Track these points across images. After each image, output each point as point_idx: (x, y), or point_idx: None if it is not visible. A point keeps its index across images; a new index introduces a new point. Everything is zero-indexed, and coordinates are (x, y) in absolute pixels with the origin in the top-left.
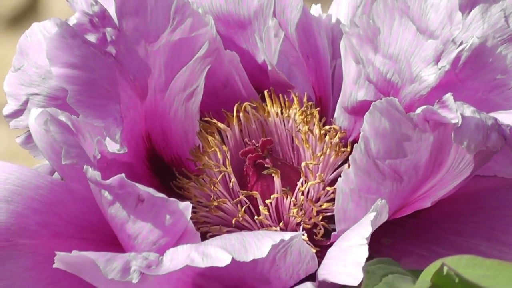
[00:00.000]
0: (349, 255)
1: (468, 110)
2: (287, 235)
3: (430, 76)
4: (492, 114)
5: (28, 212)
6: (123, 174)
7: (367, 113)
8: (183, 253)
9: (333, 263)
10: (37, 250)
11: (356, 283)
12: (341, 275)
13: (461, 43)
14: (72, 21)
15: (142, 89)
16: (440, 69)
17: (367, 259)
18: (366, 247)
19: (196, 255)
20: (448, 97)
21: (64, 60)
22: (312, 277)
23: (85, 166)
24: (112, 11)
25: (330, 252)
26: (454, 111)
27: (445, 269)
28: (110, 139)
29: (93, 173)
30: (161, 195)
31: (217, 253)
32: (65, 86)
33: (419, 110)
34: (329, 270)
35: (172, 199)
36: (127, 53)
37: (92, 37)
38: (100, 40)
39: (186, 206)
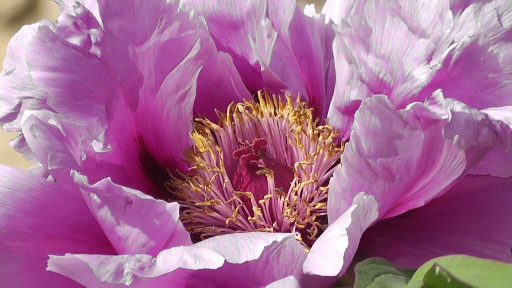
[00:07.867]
0: (330, 246)
1: (458, 106)
2: (280, 236)
3: (422, 75)
4: (483, 111)
5: (20, 214)
6: (109, 178)
7: (357, 111)
8: (176, 255)
9: (316, 255)
10: (29, 252)
11: (335, 273)
12: (322, 267)
13: (452, 42)
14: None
15: (130, 90)
16: (431, 68)
17: (360, 259)
18: (346, 238)
19: (189, 257)
20: (438, 93)
21: (43, 64)
22: None
23: (71, 171)
24: (97, 12)
25: (314, 245)
26: (444, 107)
27: (437, 269)
28: (93, 139)
29: (79, 177)
30: (148, 196)
31: (209, 255)
32: (46, 89)
33: (409, 107)
34: (312, 262)
35: (159, 200)
36: (114, 54)
37: (75, 39)
38: (84, 42)
39: (173, 207)
